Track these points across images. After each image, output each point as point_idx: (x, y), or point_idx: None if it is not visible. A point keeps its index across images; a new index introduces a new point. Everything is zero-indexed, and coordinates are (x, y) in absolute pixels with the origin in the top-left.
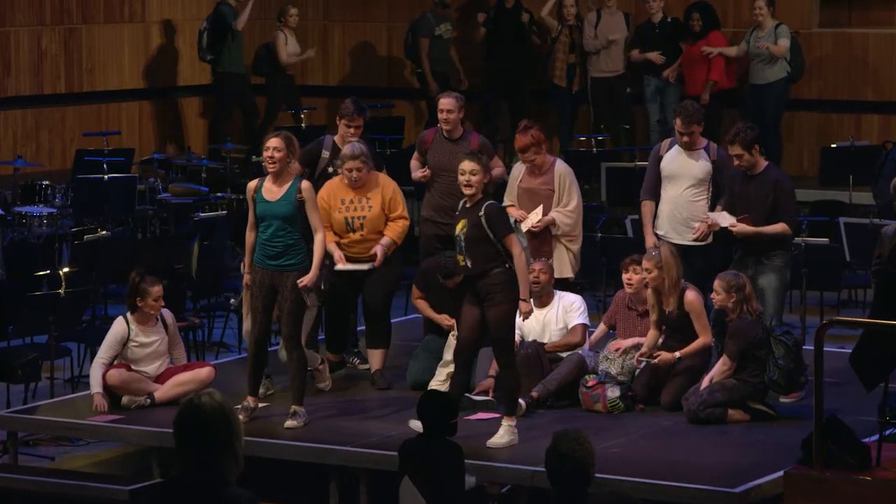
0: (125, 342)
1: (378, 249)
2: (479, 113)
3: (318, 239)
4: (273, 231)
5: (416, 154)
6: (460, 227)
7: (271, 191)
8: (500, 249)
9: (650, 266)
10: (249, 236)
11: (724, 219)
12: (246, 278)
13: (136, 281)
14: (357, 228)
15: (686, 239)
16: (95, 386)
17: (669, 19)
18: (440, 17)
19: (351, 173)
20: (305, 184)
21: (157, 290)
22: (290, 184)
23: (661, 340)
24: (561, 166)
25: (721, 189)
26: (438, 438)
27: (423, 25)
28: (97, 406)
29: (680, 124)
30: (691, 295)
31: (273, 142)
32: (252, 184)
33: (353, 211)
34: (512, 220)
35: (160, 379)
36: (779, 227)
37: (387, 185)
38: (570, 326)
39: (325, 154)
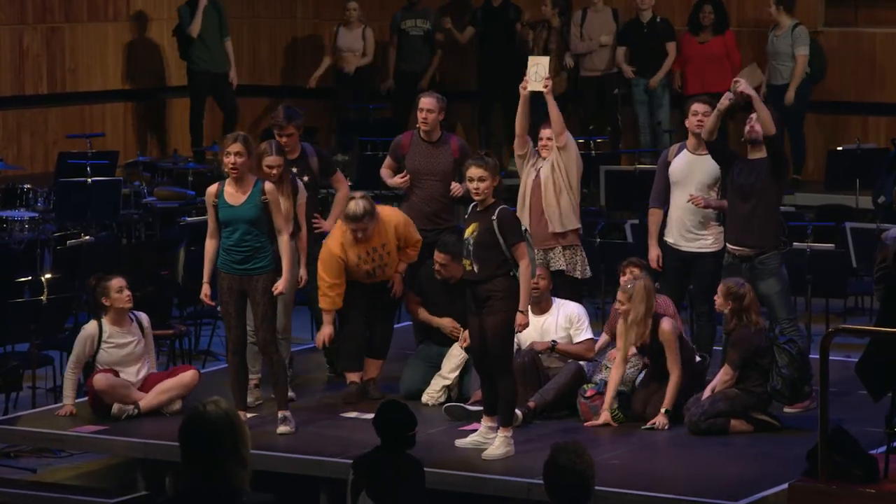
0: (97, 342)
1: (396, 279)
2: (472, 114)
3: (283, 241)
4: (240, 236)
5: (388, 161)
6: (470, 231)
7: (234, 195)
8: (509, 257)
9: (623, 298)
10: (210, 245)
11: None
12: (204, 290)
13: (94, 283)
14: (379, 274)
15: (695, 246)
16: (68, 396)
17: (659, 19)
18: (408, 13)
19: (356, 233)
20: (269, 185)
21: (116, 281)
22: (252, 186)
23: (639, 371)
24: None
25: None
26: (396, 452)
27: (392, 21)
28: (64, 413)
29: (697, 105)
30: (666, 324)
31: (235, 147)
32: (212, 189)
33: (375, 262)
34: (522, 228)
35: (144, 387)
36: (772, 123)
37: (391, 221)
38: (575, 341)
39: None
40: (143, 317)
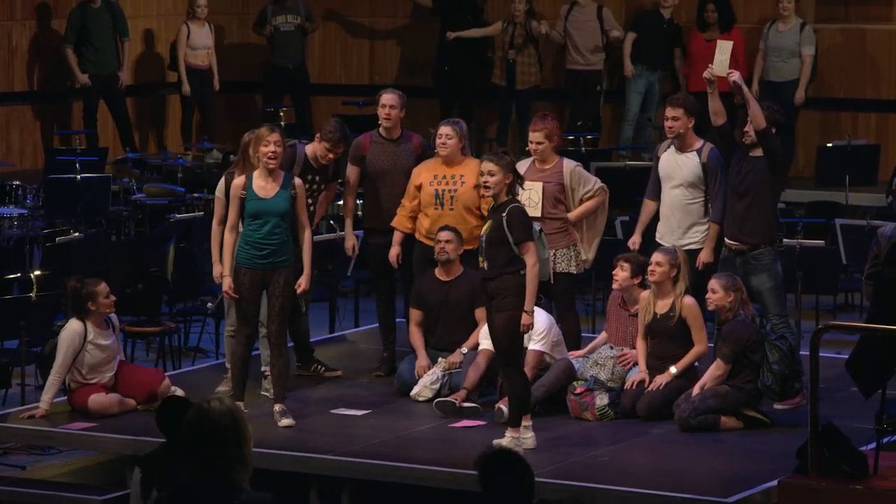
0: (83, 342)
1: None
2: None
3: (307, 237)
4: (270, 229)
5: (349, 168)
6: (484, 229)
7: (265, 188)
8: (518, 255)
9: (663, 260)
10: (230, 238)
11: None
12: (227, 283)
13: (78, 287)
14: (446, 202)
15: (682, 244)
16: (46, 401)
17: (675, 21)
18: (278, 9)
19: (441, 139)
20: (297, 180)
21: (102, 287)
22: (282, 179)
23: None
24: (569, 163)
25: (712, 192)
26: (178, 449)
27: (261, 14)
28: (30, 415)
29: (668, 108)
30: (689, 300)
31: (275, 136)
32: (239, 181)
33: (444, 184)
34: (537, 228)
35: (118, 376)
36: (762, 117)
37: (476, 164)
38: (529, 347)
39: (296, 168)
40: (114, 317)
